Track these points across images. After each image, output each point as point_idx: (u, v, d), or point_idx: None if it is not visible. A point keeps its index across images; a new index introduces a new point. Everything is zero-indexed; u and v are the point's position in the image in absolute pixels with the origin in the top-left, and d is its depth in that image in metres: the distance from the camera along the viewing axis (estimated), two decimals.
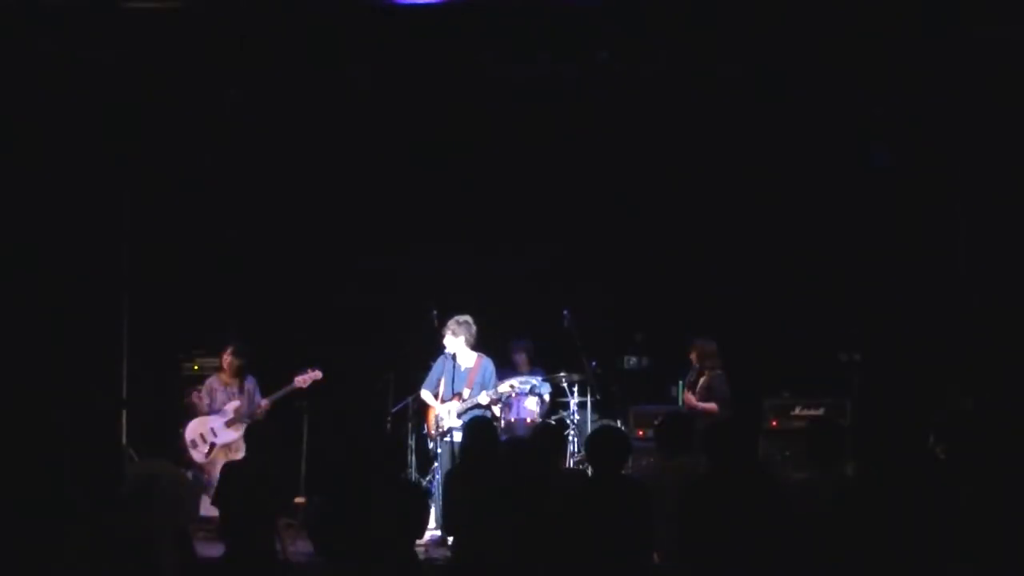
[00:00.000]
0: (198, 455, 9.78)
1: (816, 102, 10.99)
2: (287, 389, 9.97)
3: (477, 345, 10.02)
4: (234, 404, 9.87)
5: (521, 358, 10.81)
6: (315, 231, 11.87)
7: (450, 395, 9.83)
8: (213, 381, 10.01)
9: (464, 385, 9.86)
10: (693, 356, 10.05)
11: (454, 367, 9.88)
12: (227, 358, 9.96)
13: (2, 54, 10.18)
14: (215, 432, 9.84)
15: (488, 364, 10.01)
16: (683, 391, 10.22)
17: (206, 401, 9.96)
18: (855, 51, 10.80)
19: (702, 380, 9.90)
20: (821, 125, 11.04)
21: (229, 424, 9.82)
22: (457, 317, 9.95)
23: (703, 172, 11.51)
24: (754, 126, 11.37)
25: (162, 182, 11.27)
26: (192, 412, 10.14)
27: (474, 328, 9.94)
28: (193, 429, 9.86)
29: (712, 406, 9.69)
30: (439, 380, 9.96)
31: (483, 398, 9.85)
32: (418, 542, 6.08)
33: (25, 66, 10.37)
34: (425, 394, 10.04)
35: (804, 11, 10.51)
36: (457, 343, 9.87)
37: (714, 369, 9.88)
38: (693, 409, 9.75)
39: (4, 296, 10.69)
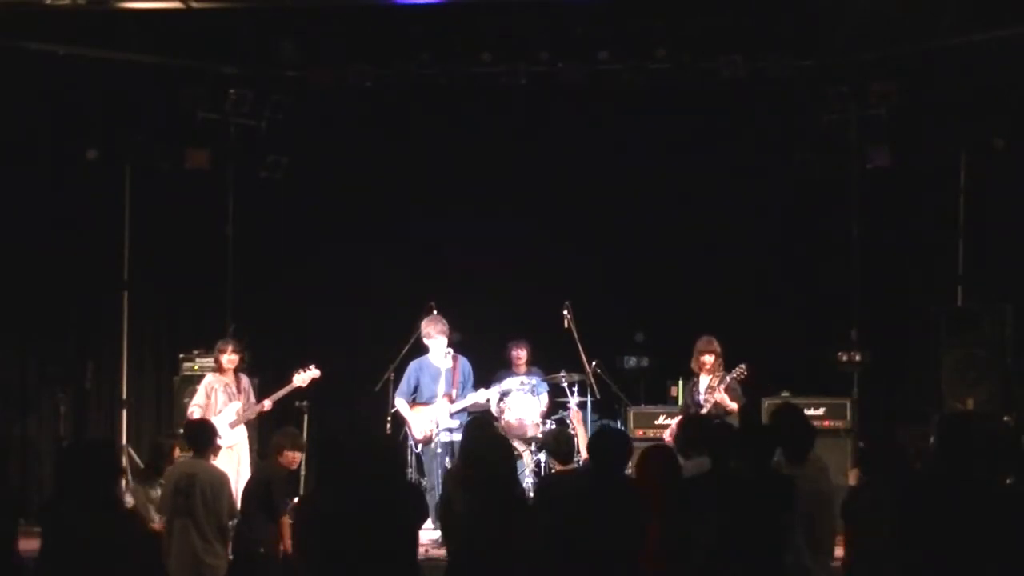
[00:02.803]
0: None
1: (816, 101, 11.01)
2: (288, 389, 9.93)
3: (467, 344, 9.98)
4: (235, 405, 9.84)
5: (519, 357, 10.77)
6: (314, 230, 11.87)
7: (441, 395, 9.80)
8: (213, 381, 9.93)
9: (451, 386, 9.83)
10: (713, 360, 9.60)
11: (438, 369, 9.84)
12: (226, 356, 9.90)
13: (2, 54, 10.20)
14: (219, 434, 9.81)
15: (465, 363, 9.96)
16: (699, 392, 9.77)
17: (203, 403, 9.88)
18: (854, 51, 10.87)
19: (719, 382, 9.53)
20: (821, 124, 11.04)
21: (232, 426, 9.80)
22: (433, 317, 9.91)
23: (704, 171, 11.51)
24: (754, 125, 11.38)
25: (162, 181, 11.27)
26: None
27: (447, 325, 9.90)
28: None
29: (735, 407, 9.42)
30: (416, 386, 9.91)
31: (481, 396, 9.82)
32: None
33: (25, 66, 10.38)
34: (400, 403, 9.95)
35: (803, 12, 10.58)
36: (442, 343, 9.84)
37: (722, 368, 9.71)
38: (728, 412, 9.30)
39: (4, 295, 10.71)
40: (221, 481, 7.33)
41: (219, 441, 9.66)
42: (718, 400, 9.45)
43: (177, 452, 8.48)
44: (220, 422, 9.78)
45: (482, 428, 7.28)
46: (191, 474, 7.21)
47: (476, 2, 10.61)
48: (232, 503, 7.41)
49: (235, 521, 7.48)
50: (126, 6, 10.01)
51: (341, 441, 5.55)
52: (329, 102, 11.59)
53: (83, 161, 10.80)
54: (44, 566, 5.24)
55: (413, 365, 9.97)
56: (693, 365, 9.76)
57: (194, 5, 10.03)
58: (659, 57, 10.97)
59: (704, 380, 9.68)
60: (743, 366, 9.54)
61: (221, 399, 9.81)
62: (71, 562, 5.10)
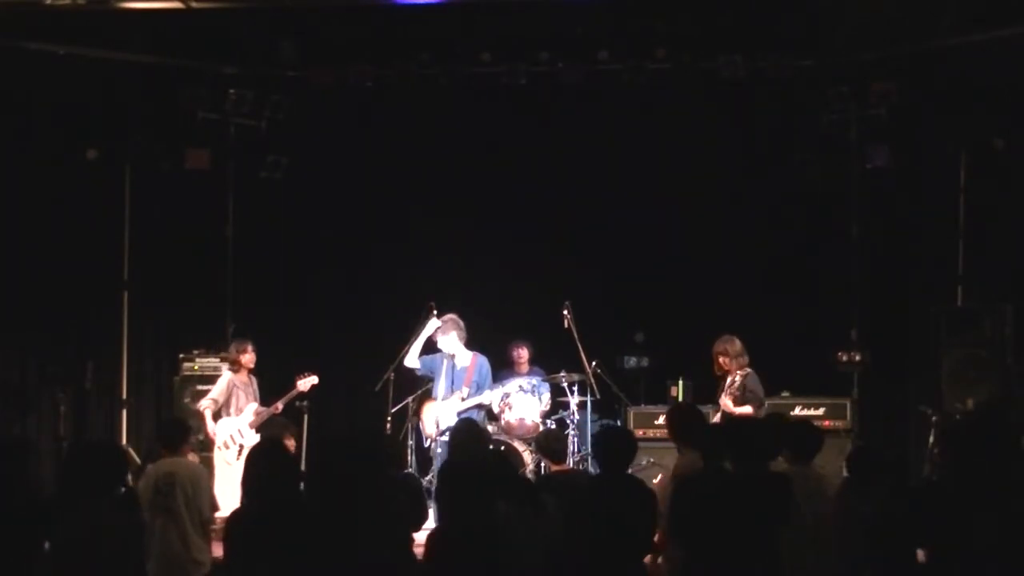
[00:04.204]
0: (230, 456, 9.77)
1: (816, 101, 11.01)
2: (293, 393, 10.01)
3: (471, 343, 10.00)
4: (253, 406, 9.89)
5: (521, 356, 10.79)
6: (314, 230, 11.87)
7: (448, 394, 9.81)
8: (234, 379, 9.95)
9: (462, 384, 9.84)
10: (723, 360, 9.43)
11: (451, 366, 9.86)
12: (247, 356, 9.94)
13: (2, 54, 10.20)
14: (242, 434, 9.85)
15: (484, 363, 9.98)
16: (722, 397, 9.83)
17: (221, 398, 9.91)
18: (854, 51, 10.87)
19: (735, 381, 9.35)
20: (821, 124, 11.04)
21: (251, 426, 9.85)
22: (445, 316, 9.92)
23: (704, 171, 11.51)
24: (754, 125, 11.38)
25: (162, 181, 11.26)
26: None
27: (463, 325, 9.91)
28: (224, 431, 9.85)
29: (749, 410, 9.23)
30: (431, 369, 9.92)
31: (487, 397, 9.83)
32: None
33: (25, 66, 10.38)
34: (412, 359, 9.96)
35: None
36: (451, 341, 9.85)
37: (744, 367, 9.65)
38: (732, 414, 9.19)
39: (5, 295, 10.70)
40: (199, 477, 7.36)
41: (243, 441, 9.77)
42: (721, 405, 9.35)
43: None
44: (241, 422, 9.83)
45: (469, 435, 7.22)
46: (170, 472, 7.22)
47: (476, 2, 10.61)
48: (213, 498, 7.43)
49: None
50: (126, 6, 10.00)
51: (339, 441, 5.55)
52: (329, 102, 11.59)
53: (83, 161, 10.79)
54: (54, 565, 5.24)
55: (437, 356, 9.99)
56: (715, 368, 9.69)
57: (194, 5, 10.02)
58: (659, 57, 10.98)
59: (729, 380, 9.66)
60: (738, 376, 9.37)
61: (242, 398, 9.89)
62: (82, 561, 5.10)
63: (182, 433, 7.55)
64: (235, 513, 5.22)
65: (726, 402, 9.32)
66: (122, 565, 5.10)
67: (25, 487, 5.66)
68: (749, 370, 9.43)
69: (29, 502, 5.50)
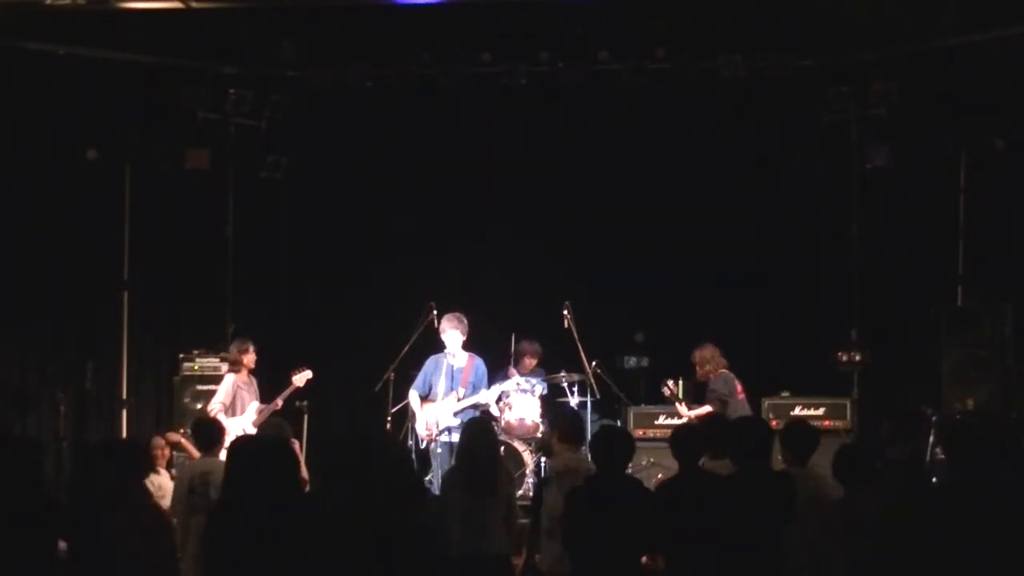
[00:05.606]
0: None
1: (816, 101, 11.01)
2: (290, 389, 10.00)
3: (469, 344, 9.99)
4: (255, 405, 9.89)
5: (529, 358, 10.78)
6: (314, 230, 11.87)
7: (446, 394, 9.80)
8: (236, 380, 9.95)
9: (459, 384, 9.84)
10: (698, 369, 9.94)
11: (448, 367, 9.85)
12: (248, 356, 9.94)
13: (2, 54, 10.21)
14: (245, 432, 9.87)
15: (480, 364, 9.97)
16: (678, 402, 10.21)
17: (228, 401, 9.92)
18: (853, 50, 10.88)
19: (708, 385, 9.88)
20: (821, 124, 11.04)
21: (254, 424, 9.86)
22: (451, 314, 9.92)
23: (704, 171, 11.51)
24: (754, 125, 11.39)
25: (162, 181, 11.26)
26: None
27: (466, 324, 9.92)
28: (230, 430, 9.86)
29: (705, 409, 9.63)
30: (430, 382, 9.93)
31: (483, 396, 9.82)
32: None
33: (25, 66, 10.39)
34: (412, 396, 10.01)
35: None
36: (455, 339, 9.84)
37: (716, 372, 9.83)
38: (688, 418, 9.68)
39: (5, 295, 10.70)
40: None
41: None
42: (678, 410, 9.90)
43: (166, 451, 9.10)
44: (244, 421, 9.83)
45: (479, 429, 7.24)
46: (205, 472, 7.23)
47: (476, 2, 10.62)
48: None
49: None
50: (126, 6, 10.00)
51: (344, 441, 5.55)
52: (329, 102, 11.59)
53: (83, 161, 10.79)
54: (73, 565, 5.24)
55: (429, 361, 9.98)
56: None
57: (194, 5, 10.02)
58: (659, 57, 10.98)
59: None
60: (667, 383, 10.02)
61: (246, 398, 9.90)
62: (101, 560, 5.10)
63: (217, 433, 7.58)
64: (217, 511, 5.12)
65: (681, 409, 9.84)
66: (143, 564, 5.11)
67: (41, 487, 5.66)
68: (723, 371, 9.66)
69: (46, 502, 5.49)
